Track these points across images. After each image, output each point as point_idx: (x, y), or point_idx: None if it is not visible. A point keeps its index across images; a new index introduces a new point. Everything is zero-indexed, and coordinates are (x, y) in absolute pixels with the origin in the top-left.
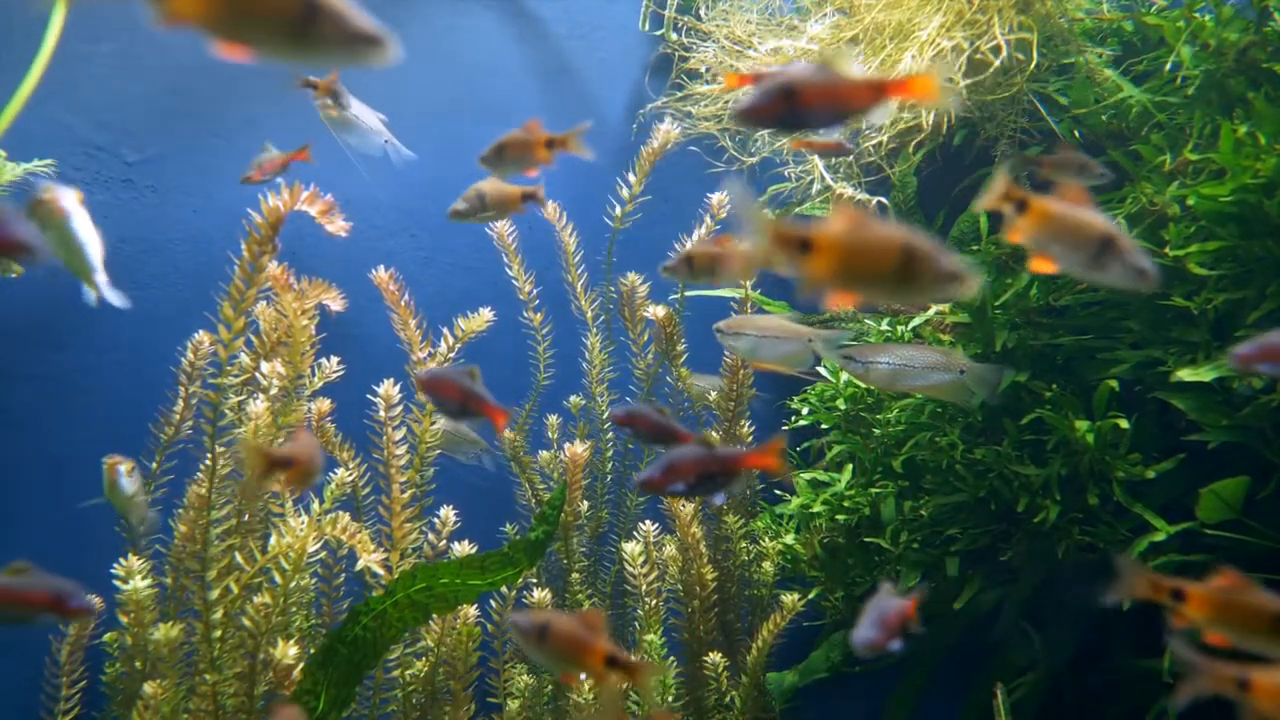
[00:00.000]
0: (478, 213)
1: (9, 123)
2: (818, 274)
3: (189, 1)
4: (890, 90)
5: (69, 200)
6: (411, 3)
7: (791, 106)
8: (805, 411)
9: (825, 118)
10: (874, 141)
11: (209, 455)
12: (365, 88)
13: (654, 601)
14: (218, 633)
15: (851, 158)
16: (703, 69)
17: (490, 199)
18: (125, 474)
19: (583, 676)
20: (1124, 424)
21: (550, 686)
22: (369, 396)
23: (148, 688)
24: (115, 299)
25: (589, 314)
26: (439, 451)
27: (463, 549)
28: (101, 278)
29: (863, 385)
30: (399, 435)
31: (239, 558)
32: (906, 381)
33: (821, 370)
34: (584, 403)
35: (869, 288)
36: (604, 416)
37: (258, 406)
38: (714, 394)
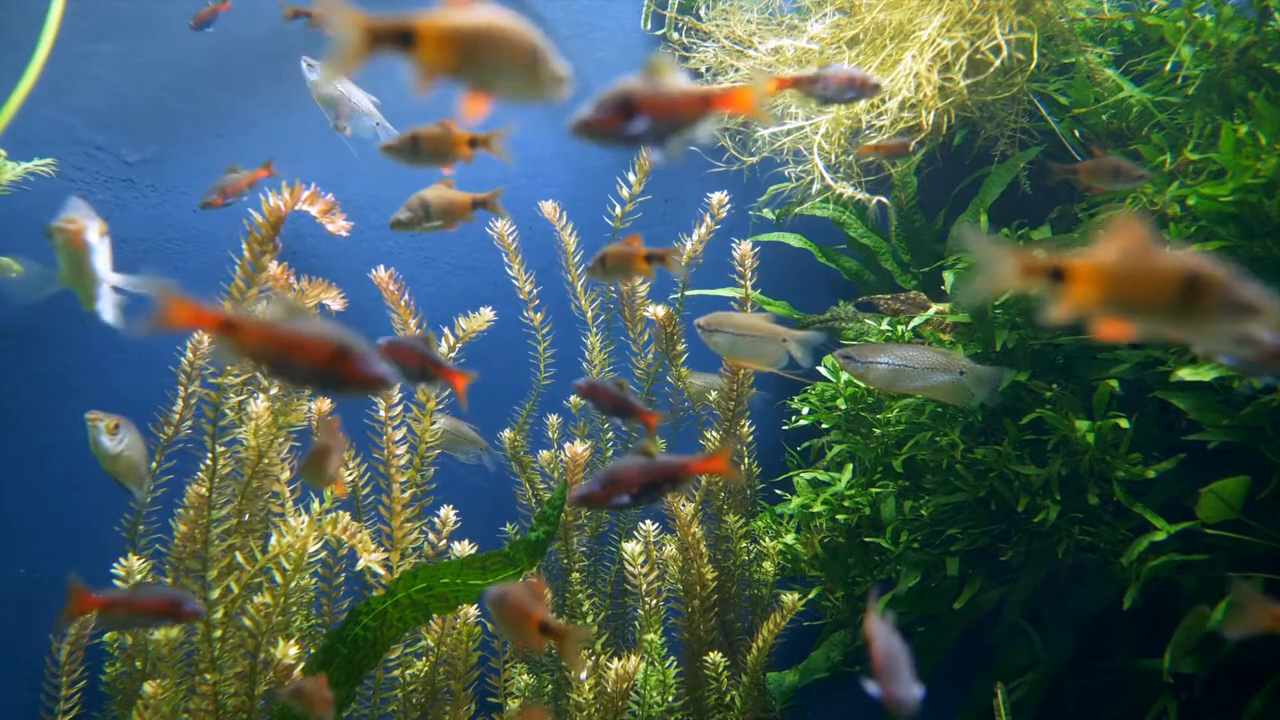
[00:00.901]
0: (421, 222)
1: (8, 120)
2: (1078, 305)
3: None
4: (716, 104)
5: (93, 234)
6: (413, 2)
7: (629, 118)
8: (805, 411)
9: (660, 130)
10: (874, 141)
11: (209, 455)
12: (366, 86)
13: (654, 601)
14: (218, 632)
15: (851, 158)
16: (703, 69)
17: (435, 208)
18: (106, 431)
19: (583, 676)
20: (1124, 424)
21: (550, 686)
22: (369, 396)
23: (148, 687)
24: (117, 322)
25: (589, 314)
26: (439, 451)
27: (463, 549)
28: (109, 313)
29: (863, 385)
30: (399, 435)
31: (239, 557)
32: (906, 382)
33: (821, 370)
34: (584, 403)
35: (1143, 319)
36: (603, 417)
37: (258, 406)
38: (714, 394)
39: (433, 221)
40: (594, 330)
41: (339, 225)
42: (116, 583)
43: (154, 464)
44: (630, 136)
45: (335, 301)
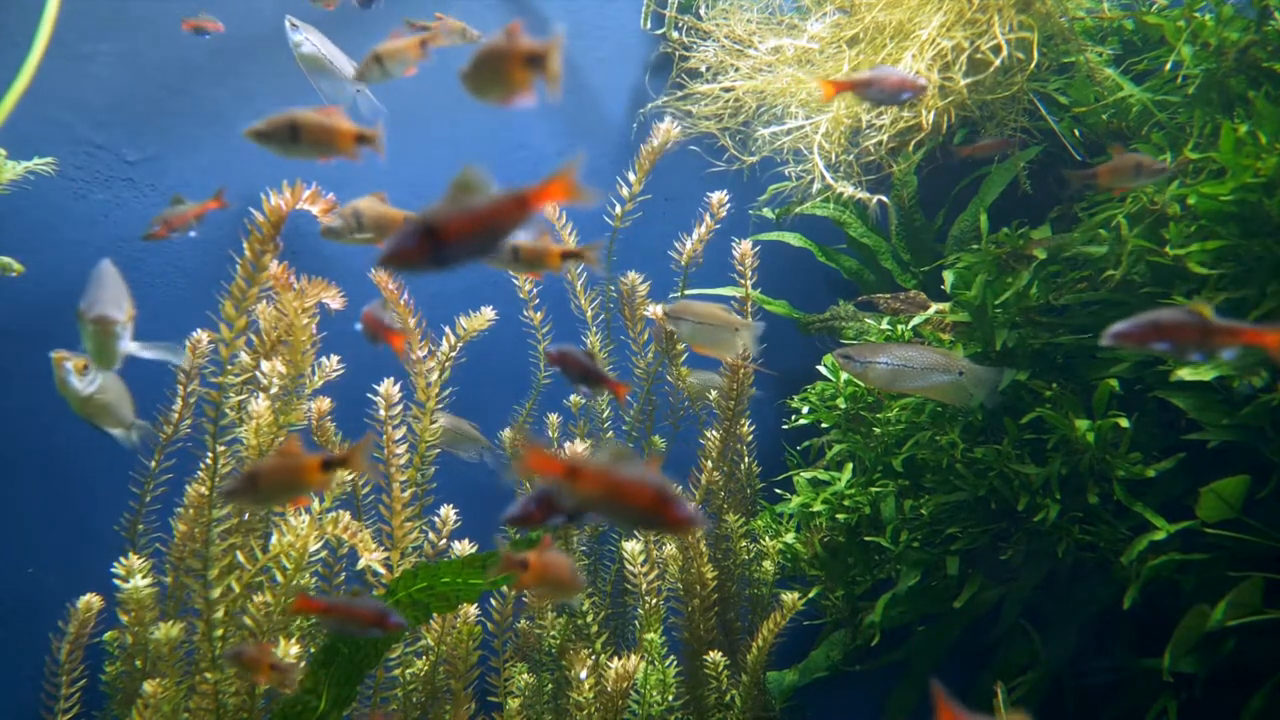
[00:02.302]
0: (352, 232)
1: (5, 116)
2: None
3: None
4: (534, 200)
5: (123, 317)
6: (415, 1)
7: (436, 244)
8: (805, 410)
9: (477, 246)
10: (874, 140)
11: (210, 454)
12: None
13: (654, 600)
14: (219, 631)
15: (851, 157)
16: (703, 68)
17: (368, 219)
18: (75, 371)
19: (583, 675)
20: (1124, 423)
21: (550, 686)
22: (369, 395)
23: (148, 686)
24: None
25: (589, 313)
26: (439, 450)
27: (463, 548)
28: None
29: (863, 384)
30: (399, 434)
31: (240, 556)
32: (905, 382)
33: (821, 369)
34: (584, 401)
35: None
36: (604, 416)
37: (259, 405)
38: (713, 393)
39: (364, 233)
40: (594, 329)
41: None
42: (117, 581)
43: (153, 462)
44: (442, 262)
45: (335, 301)
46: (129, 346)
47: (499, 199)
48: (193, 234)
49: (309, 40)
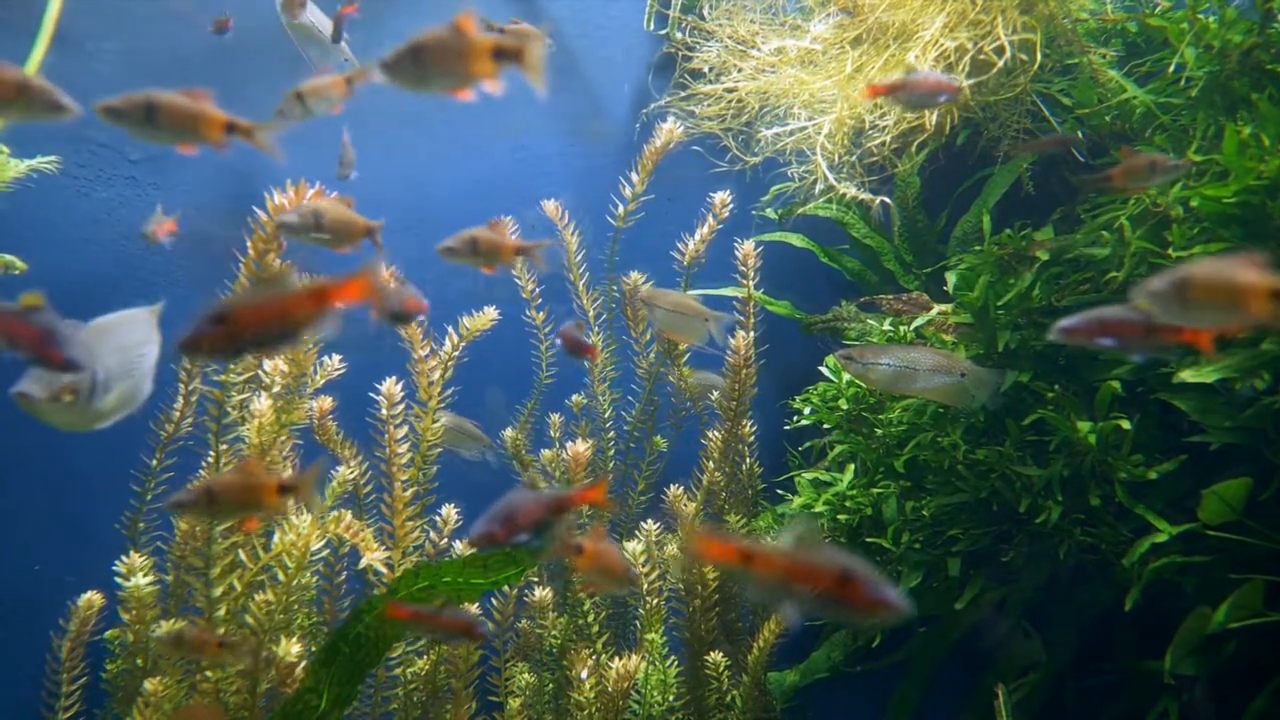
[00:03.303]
0: (308, 231)
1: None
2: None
3: None
4: (333, 298)
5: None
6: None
7: (231, 332)
8: (807, 411)
9: (273, 336)
10: (877, 141)
11: (212, 452)
12: (370, 83)
13: (656, 600)
14: (220, 630)
15: (854, 158)
16: (706, 69)
17: (328, 221)
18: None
19: (584, 675)
20: (1126, 425)
21: (551, 685)
22: (371, 395)
23: (149, 685)
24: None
25: (591, 313)
26: (442, 449)
27: (465, 547)
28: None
29: (865, 385)
30: (401, 433)
31: (242, 555)
32: (907, 384)
33: (823, 370)
34: (586, 401)
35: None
36: (605, 416)
37: (261, 404)
38: (715, 393)
39: (322, 234)
40: (596, 329)
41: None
42: (119, 580)
43: (155, 461)
44: (237, 349)
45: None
46: (104, 403)
47: (297, 293)
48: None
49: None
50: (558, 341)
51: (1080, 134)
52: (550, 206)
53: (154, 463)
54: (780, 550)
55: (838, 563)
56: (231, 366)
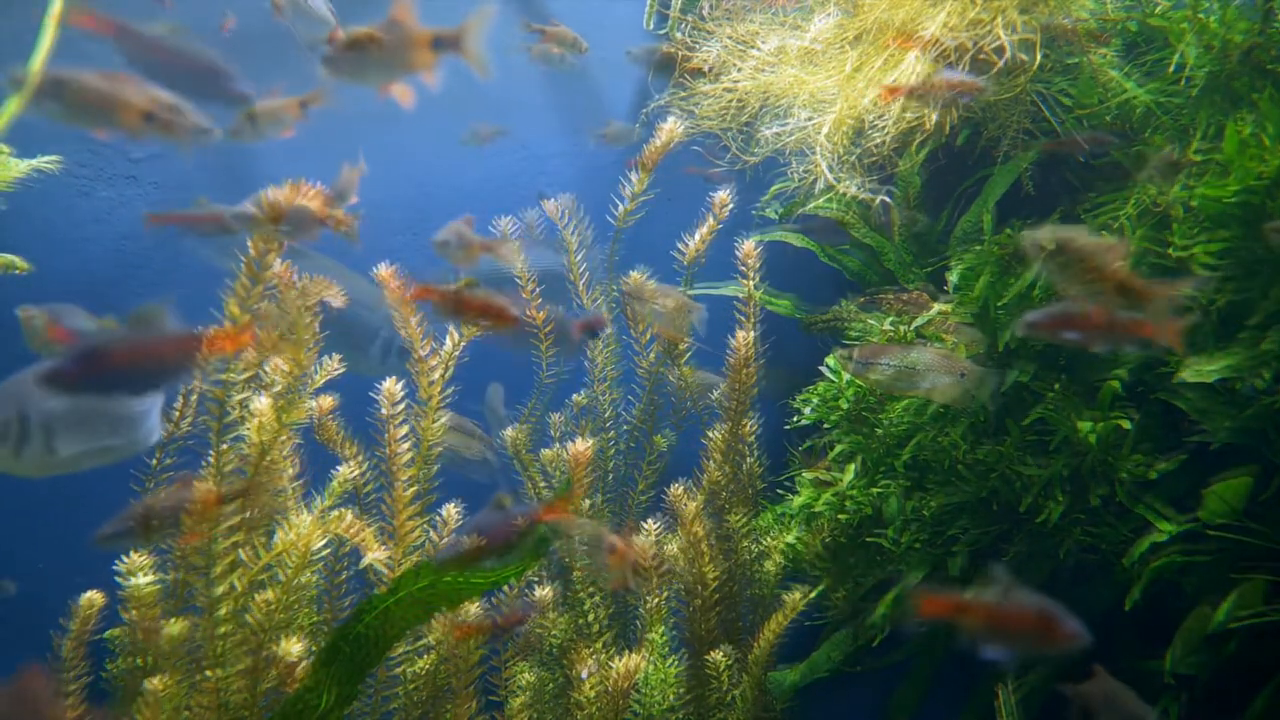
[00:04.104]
0: (261, 224)
1: (11, 118)
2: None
3: None
4: (209, 346)
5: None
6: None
7: (98, 371)
8: (809, 410)
9: (142, 379)
10: (877, 140)
11: (213, 452)
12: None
13: (657, 599)
14: (222, 629)
15: (855, 156)
16: (706, 67)
17: (284, 213)
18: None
19: (584, 676)
20: (1126, 424)
21: (553, 684)
22: (371, 394)
23: (151, 683)
24: None
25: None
26: (442, 449)
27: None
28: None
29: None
30: (402, 433)
31: (243, 554)
32: (907, 383)
33: (823, 369)
34: (585, 401)
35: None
36: (606, 415)
37: (262, 403)
38: (715, 392)
39: (282, 227)
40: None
41: (338, 221)
42: (120, 579)
43: (155, 460)
44: (107, 387)
45: (336, 299)
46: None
47: (174, 337)
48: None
49: None
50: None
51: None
52: (550, 206)
53: (153, 462)
54: (985, 602)
55: (1033, 605)
56: (233, 365)
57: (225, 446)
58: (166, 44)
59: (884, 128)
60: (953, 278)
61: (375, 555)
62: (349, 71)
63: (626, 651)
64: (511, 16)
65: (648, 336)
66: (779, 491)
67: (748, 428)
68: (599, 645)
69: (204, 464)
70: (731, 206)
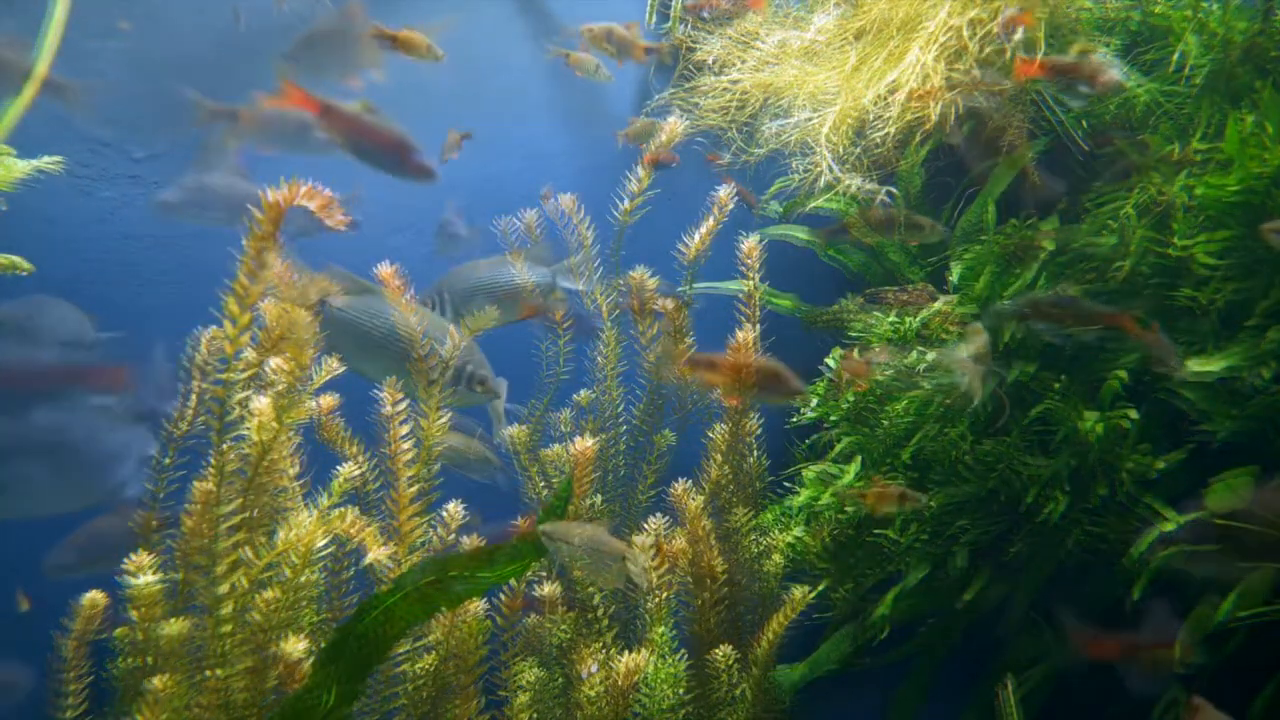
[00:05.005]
0: (194, 209)
1: (15, 119)
2: None
3: None
4: (87, 380)
5: None
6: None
7: None
8: (813, 403)
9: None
10: (880, 134)
11: (215, 451)
12: (374, 81)
13: (663, 595)
14: (226, 627)
15: (858, 151)
16: (709, 61)
17: (214, 197)
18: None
19: (584, 676)
20: (1132, 415)
21: (559, 681)
22: (373, 394)
23: (155, 682)
24: None
25: (602, 309)
26: (443, 448)
27: (470, 543)
28: None
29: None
30: (404, 431)
31: (247, 553)
32: (905, 383)
33: (823, 368)
34: (592, 396)
35: None
36: (607, 415)
37: (262, 402)
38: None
39: (214, 213)
40: (608, 324)
41: (338, 220)
42: (125, 578)
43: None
44: None
45: (338, 298)
46: None
47: (55, 366)
48: None
49: None
50: (558, 338)
51: (1085, 124)
52: (550, 205)
53: (166, 460)
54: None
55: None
56: (234, 364)
57: (227, 445)
58: (364, 121)
59: (887, 120)
60: (953, 276)
61: (377, 553)
62: (308, 67)
63: (634, 647)
64: (510, 16)
65: (653, 332)
66: (784, 486)
67: (751, 423)
68: (602, 644)
69: (207, 462)
70: (735, 201)
